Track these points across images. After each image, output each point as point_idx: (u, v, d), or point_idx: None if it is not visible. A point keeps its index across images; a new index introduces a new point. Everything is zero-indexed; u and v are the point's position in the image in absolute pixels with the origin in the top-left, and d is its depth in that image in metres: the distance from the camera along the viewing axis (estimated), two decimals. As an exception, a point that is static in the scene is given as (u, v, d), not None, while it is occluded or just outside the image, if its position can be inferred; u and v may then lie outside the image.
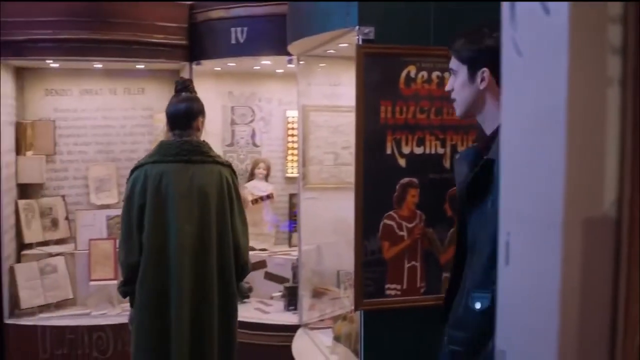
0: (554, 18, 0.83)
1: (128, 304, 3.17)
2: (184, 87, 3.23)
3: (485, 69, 1.88)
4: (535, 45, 0.88)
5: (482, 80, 1.89)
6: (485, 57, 1.88)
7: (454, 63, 1.98)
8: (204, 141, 3.20)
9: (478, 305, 1.84)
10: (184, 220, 3.02)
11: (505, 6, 0.93)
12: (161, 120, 4.55)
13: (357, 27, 2.77)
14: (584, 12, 0.81)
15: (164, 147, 3.12)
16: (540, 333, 0.87)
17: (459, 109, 1.99)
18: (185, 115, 3.13)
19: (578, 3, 0.80)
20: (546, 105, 0.85)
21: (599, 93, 0.81)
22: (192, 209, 3.04)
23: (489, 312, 1.80)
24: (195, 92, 3.28)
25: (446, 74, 2.71)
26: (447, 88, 2.06)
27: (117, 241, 3.46)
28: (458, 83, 1.96)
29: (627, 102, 0.81)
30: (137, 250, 2.99)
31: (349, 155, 3.64)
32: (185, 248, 3.01)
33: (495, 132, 1.88)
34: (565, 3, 0.80)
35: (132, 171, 3.11)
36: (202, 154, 3.12)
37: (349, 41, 3.05)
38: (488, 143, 1.91)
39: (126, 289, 3.06)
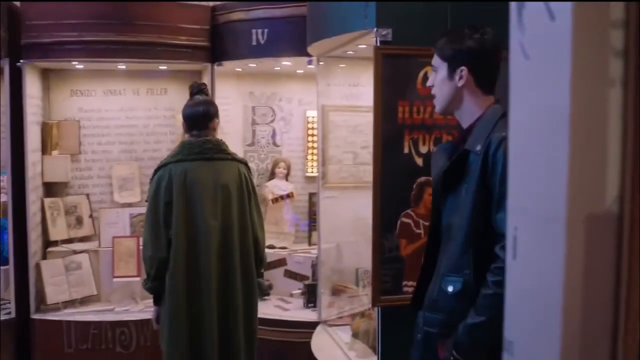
0: (558, 22, 0.86)
1: (151, 300, 3.23)
2: (199, 90, 3.30)
3: (463, 67, 1.95)
4: (541, 49, 0.91)
5: (461, 78, 1.96)
6: (465, 56, 1.95)
7: (436, 60, 2.04)
8: (221, 140, 3.28)
9: (450, 288, 1.93)
10: (210, 215, 3.09)
11: (513, 10, 0.96)
12: (183, 120, 4.61)
13: (375, 28, 2.81)
14: (586, 15, 0.83)
15: (186, 146, 3.18)
16: (543, 325, 0.89)
17: (438, 104, 2.06)
18: (202, 116, 3.21)
19: (581, 6, 0.83)
20: (551, 106, 0.87)
21: (601, 94, 0.84)
22: (216, 204, 3.11)
23: (461, 295, 1.90)
24: (209, 95, 3.34)
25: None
26: (428, 84, 2.12)
27: (141, 239, 3.51)
28: (438, 79, 2.02)
29: (628, 102, 0.83)
30: (165, 246, 3.06)
31: (368, 155, 3.66)
32: (212, 242, 3.09)
33: (471, 126, 1.96)
34: (569, 7, 0.83)
35: (156, 171, 3.18)
36: (222, 151, 3.20)
37: (367, 42, 3.08)
38: (465, 136, 1.98)
39: (155, 284, 3.11)
